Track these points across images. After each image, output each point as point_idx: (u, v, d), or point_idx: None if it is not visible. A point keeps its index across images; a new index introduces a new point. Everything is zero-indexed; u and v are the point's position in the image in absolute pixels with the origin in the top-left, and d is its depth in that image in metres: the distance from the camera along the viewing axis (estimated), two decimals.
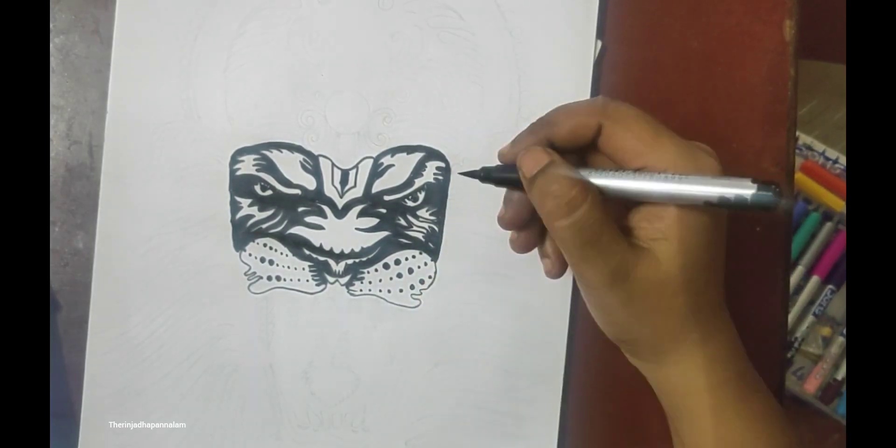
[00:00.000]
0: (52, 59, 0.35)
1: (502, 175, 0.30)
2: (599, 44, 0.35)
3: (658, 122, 0.29)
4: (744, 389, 0.30)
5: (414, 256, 0.35)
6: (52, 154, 0.35)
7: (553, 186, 0.27)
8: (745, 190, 0.26)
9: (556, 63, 0.35)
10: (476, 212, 0.35)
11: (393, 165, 0.35)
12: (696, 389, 0.30)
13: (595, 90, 0.35)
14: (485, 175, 0.30)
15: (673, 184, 0.27)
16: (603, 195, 0.28)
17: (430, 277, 0.35)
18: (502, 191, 0.31)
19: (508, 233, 0.32)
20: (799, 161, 0.80)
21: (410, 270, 0.35)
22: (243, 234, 0.35)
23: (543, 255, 0.32)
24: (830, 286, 0.80)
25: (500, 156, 0.31)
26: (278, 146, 0.35)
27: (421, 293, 0.35)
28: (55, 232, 0.35)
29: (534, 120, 0.31)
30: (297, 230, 0.35)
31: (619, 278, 0.28)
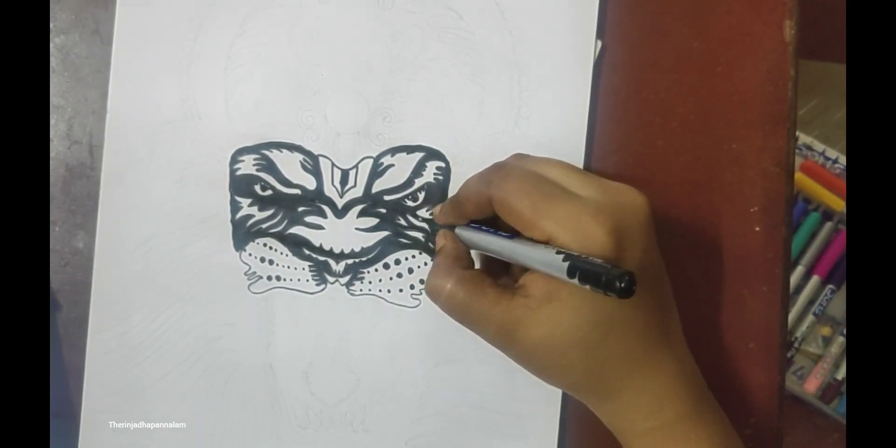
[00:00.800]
0: (52, 59, 0.35)
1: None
2: (599, 44, 0.35)
3: (543, 189, 0.28)
4: (676, 437, 0.29)
5: (414, 256, 0.35)
6: (52, 154, 0.35)
7: (429, 273, 0.31)
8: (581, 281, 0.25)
9: (557, 63, 0.35)
10: None
11: (393, 165, 0.35)
12: (625, 433, 0.30)
13: (595, 90, 0.35)
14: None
15: (530, 257, 0.28)
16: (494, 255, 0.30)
17: None
18: None
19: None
20: (799, 161, 0.80)
21: (410, 270, 0.35)
22: (243, 233, 0.35)
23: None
24: (830, 286, 0.80)
25: (434, 216, 0.35)
26: (278, 146, 0.35)
27: (421, 293, 0.35)
28: (55, 232, 0.35)
29: (531, 120, 0.32)
30: (297, 230, 0.35)
31: (504, 340, 0.29)
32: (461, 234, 0.33)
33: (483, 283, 0.30)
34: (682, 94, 0.36)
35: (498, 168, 0.31)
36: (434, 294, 0.31)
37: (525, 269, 0.30)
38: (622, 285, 0.24)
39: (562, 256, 0.26)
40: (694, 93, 0.36)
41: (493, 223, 0.32)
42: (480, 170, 0.34)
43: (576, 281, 0.25)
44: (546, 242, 0.28)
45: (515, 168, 0.30)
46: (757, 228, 0.36)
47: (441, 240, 0.33)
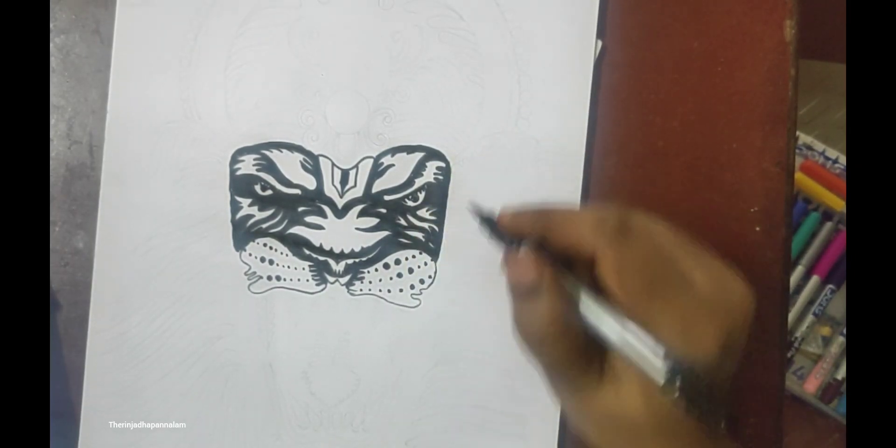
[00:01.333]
0: (52, 59, 0.35)
1: (496, 237, 0.28)
2: (600, 44, 0.35)
3: (664, 273, 0.25)
4: None
5: (414, 256, 0.35)
6: (52, 154, 0.35)
7: (532, 307, 0.26)
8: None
9: (557, 63, 0.35)
10: None
11: (393, 165, 0.35)
12: None
13: (595, 90, 0.35)
14: (483, 224, 0.28)
15: (622, 343, 0.25)
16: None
17: (430, 277, 0.35)
18: (503, 192, 0.34)
19: None
20: (799, 161, 0.80)
21: (410, 270, 0.35)
22: (243, 233, 0.35)
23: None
24: (830, 286, 0.80)
25: (501, 217, 0.28)
26: (278, 146, 0.35)
27: (421, 293, 0.35)
28: (55, 232, 0.35)
29: (531, 120, 0.32)
30: (297, 230, 0.35)
31: (577, 393, 0.26)
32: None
33: (585, 355, 0.26)
34: (682, 94, 0.36)
35: (619, 221, 0.26)
36: (528, 335, 0.26)
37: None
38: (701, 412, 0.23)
39: (670, 363, 0.24)
40: (694, 93, 0.36)
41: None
42: (480, 171, 0.33)
43: (674, 394, 0.24)
44: (639, 324, 0.25)
45: (638, 234, 0.26)
46: (757, 228, 0.36)
47: (535, 268, 0.26)
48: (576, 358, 0.26)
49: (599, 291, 0.26)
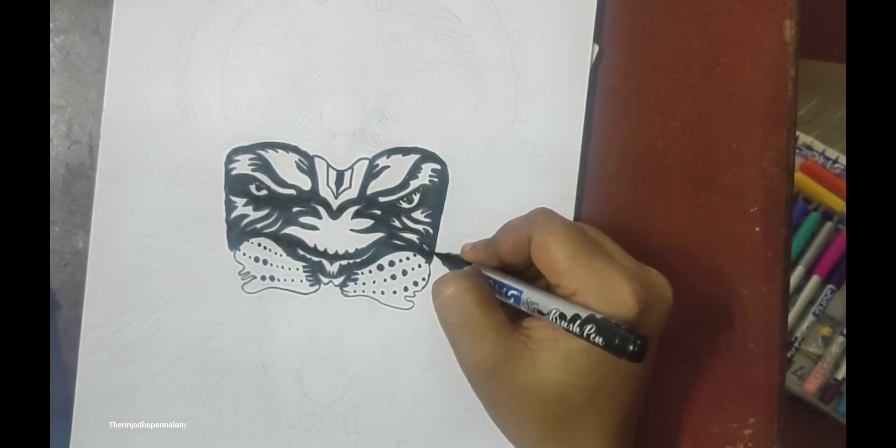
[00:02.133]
0: (52, 59, 0.35)
1: (450, 266, 0.35)
2: (597, 48, 0.35)
3: (585, 242, 0.29)
4: None
5: (408, 258, 0.35)
6: (52, 154, 0.35)
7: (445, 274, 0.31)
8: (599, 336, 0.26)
9: (553, 67, 0.35)
10: (471, 215, 0.35)
11: (388, 167, 0.35)
12: None
13: (593, 92, 0.35)
14: (442, 260, 0.35)
15: (548, 304, 0.28)
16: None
17: (424, 279, 0.35)
18: (499, 195, 0.35)
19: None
20: (799, 161, 0.80)
21: (405, 272, 0.35)
22: (238, 233, 0.35)
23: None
24: (830, 286, 0.79)
25: (462, 250, 0.34)
26: (274, 146, 0.35)
27: (415, 295, 0.35)
28: (55, 232, 0.35)
29: (527, 123, 0.33)
30: (292, 230, 0.35)
31: (487, 369, 0.29)
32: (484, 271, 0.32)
33: (495, 304, 0.30)
34: (682, 94, 0.36)
35: (544, 212, 0.31)
36: (440, 287, 0.30)
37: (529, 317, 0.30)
38: (634, 349, 0.24)
39: (580, 308, 0.27)
40: (694, 93, 0.36)
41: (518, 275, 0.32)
42: (476, 174, 0.34)
43: (591, 332, 0.25)
44: (570, 295, 0.28)
45: (561, 217, 0.31)
46: (757, 228, 0.36)
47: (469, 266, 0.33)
48: (499, 324, 0.29)
49: (540, 276, 0.30)
